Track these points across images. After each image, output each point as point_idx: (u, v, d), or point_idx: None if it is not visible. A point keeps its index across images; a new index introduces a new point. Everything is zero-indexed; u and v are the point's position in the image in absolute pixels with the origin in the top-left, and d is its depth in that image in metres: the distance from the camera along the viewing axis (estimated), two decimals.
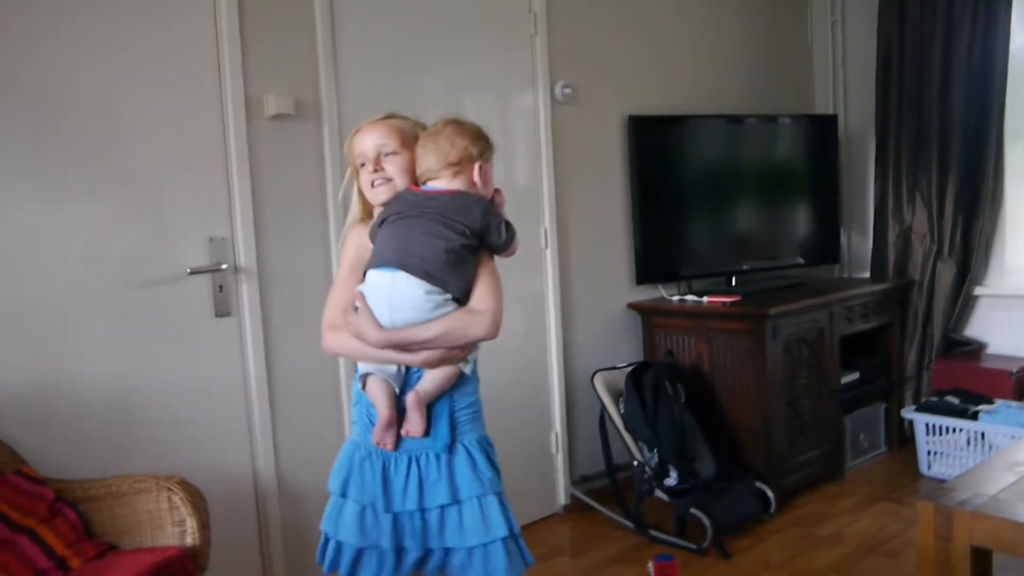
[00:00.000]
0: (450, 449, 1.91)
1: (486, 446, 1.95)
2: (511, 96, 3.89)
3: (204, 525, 2.41)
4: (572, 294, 4.17)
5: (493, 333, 1.85)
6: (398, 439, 1.89)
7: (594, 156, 4.29)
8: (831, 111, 5.23)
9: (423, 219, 1.86)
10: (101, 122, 2.75)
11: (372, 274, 1.88)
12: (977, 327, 4.78)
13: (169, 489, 2.42)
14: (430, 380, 1.88)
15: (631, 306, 4.39)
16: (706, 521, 3.60)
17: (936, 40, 4.64)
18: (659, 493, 3.76)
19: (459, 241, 1.84)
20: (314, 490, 3.15)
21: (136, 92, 2.81)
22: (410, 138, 1.98)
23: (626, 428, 3.87)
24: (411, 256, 1.83)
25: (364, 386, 1.94)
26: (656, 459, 3.78)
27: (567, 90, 4.06)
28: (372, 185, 1.97)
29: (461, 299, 1.85)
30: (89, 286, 2.76)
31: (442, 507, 1.88)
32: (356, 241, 1.99)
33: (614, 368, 4.10)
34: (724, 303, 4.15)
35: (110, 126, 2.77)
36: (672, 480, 3.75)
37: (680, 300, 4.34)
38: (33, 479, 2.48)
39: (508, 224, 1.90)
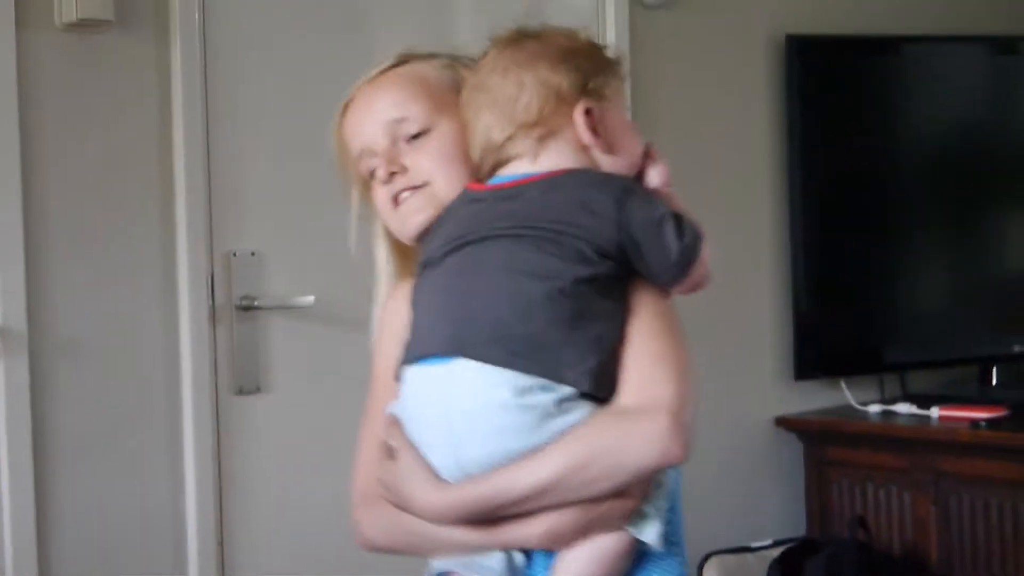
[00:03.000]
0: None
1: None
2: None
3: None
4: None
5: (677, 450, 1.82)
6: None
7: (713, 113, 4.29)
8: None
9: (497, 244, 1.88)
10: None
11: (411, 375, 1.91)
12: None
13: None
14: (573, 571, 1.88)
15: (783, 423, 4.40)
16: None
17: None
18: None
19: (573, 273, 1.84)
20: None
21: None
22: (448, 93, 2.02)
23: None
24: (476, 323, 1.84)
25: None
26: None
27: None
28: (394, 203, 2.01)
29: (597, 390, 1.85)
30: None
31: None
32: (397, 324, 1.99)
33: (745, 550, 4.10)
34: (974, 421, 4.15)
35: None
36: None
37: (883, 413, 4.36)
38: None
39: (679, 218, 1.90)
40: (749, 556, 4.09)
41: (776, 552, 4.08)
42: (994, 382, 4.62)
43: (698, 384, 1.89)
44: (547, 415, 1.80)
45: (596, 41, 2.01)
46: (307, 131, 3.43)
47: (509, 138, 1.92)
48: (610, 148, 1.95)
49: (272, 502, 3.46)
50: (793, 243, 4.40)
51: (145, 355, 3.33)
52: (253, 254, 3.46)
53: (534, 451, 1.80)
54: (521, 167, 1.93)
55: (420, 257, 1.97)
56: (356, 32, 3.64)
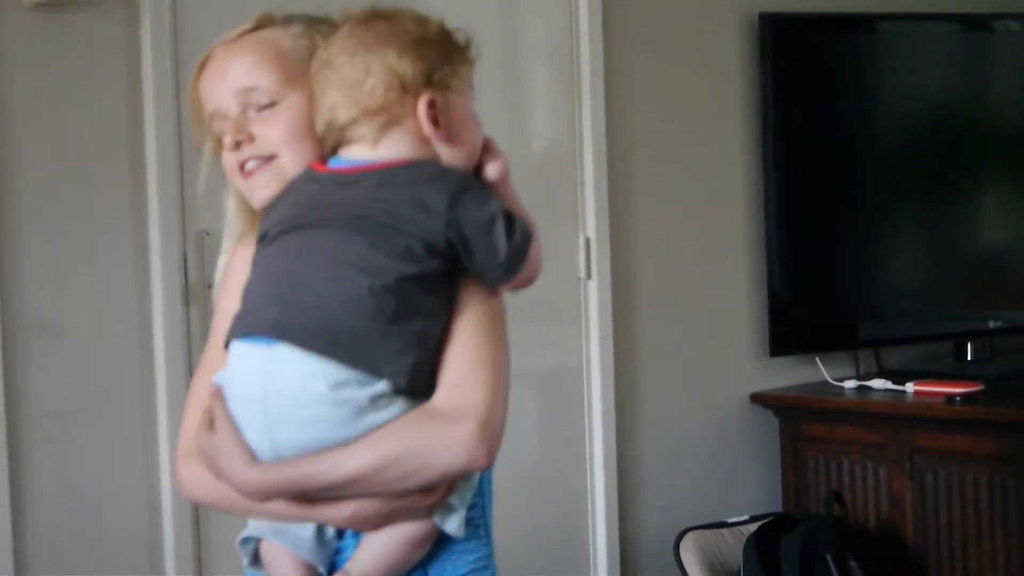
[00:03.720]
0: None
1: None
2: None
3: None
4: (638, 373, 4.20)
5: (482, 457, 1.87)
6: None
7: (687, 93, 4.31)
8: None
9: (327, 232, 1.90)
10: None
11: (236, 350, 1.92)
12: None
13: None
14: (372, 554, 1.93)
15: (759, 399, 4.43)
16: None
17: None
18: None
19: (399, 270, 1.86)
20: None
21: None
22: (301, 64, 2.02)
23: None
24: (301, 310, 1.87)
25: (252, 560, 1.99)
26: None
27: None
28: (242, 171, 2.03)
29: (413, 386, 1.89)
30: None
31: None
32: (237, 283, 2.01)
33: (721, 525, 4.12)
34: (949, 396, 4.18)
35: None
36: None
37: (858, 389, 4.39)
38: None
39: (511, 218, 1.90)
40: (725, 532, 4.10)
41: (752, 528, 4.10)
42: (969, 357, 4.65)
43: (507, 391, 1.92)
44: (360, 410, 1.85)
45: (446, 27, 2.01)
46: None
47: (352, 121, 1.94)
48: (450, 140, 1.96)
49: None
50: (768, 220, 4.42)
51: (118, 335, 3.34)
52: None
53: (345, 443, 1.85)
54: (361, 152, 1.95)
55: (260, 228, 2.00)
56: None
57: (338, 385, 1.84)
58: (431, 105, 1.93)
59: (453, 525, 1.94)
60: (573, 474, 4.09)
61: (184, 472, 2.02)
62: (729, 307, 4.43)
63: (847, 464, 4.30)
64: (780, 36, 4.39)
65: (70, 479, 3.27)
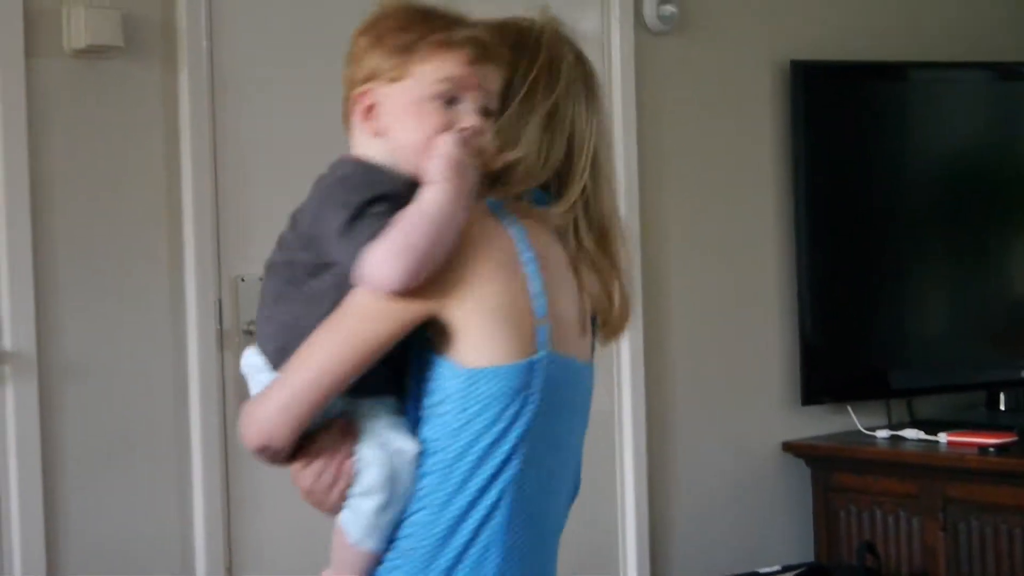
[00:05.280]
0: None
1: None
2: (560, 15, 3.98)
3: None
4: (670, 420, 4.21)
5: (247, 440, 2.04)
6: None
7: (718, 136, 4.35)
8: None
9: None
10: None
11: None
12: None
13: None
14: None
15: (791, 448, 4.43)
16: None
17: None
18: None
19: (275, 257, 2.03)
20: None
21: None
22: None
23: None
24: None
25: None
26: None
27: (669, 8, 4.14)
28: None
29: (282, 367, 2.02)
30: None
31: None
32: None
33: (753, 575, 4.14)
34: (983, 446, 4.18)
35: None
36: None
37: (891, 438, 4.39)
38: None
39: (362, 206, 1.86)
40: None
41: None
42: (1002, 407, 4.65)
43: (306, 384, 1.93)
44: (250, 377, 2.08)
45: (428, 12, 1.95)
46: (314, 155, 3.44)
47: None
48: (380, 133, 1.95)
49: (280, 525, 3.48)
50: (799, 268, 4.44)
51: (153, 379, 3.37)
52: (261, 279, 3.45)
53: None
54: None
55: None
56: None
57: (251, 353, 2.06)
58: (362, 99, 1.96)
59: (347, 521, 1.99)
60: (604, 522, 4.09)
61: None
62: (761, 355, 4.45)
63: (880, 514, 4.29)
64: (811, 84, 4.42)
65: (105, 522, 3.29)
